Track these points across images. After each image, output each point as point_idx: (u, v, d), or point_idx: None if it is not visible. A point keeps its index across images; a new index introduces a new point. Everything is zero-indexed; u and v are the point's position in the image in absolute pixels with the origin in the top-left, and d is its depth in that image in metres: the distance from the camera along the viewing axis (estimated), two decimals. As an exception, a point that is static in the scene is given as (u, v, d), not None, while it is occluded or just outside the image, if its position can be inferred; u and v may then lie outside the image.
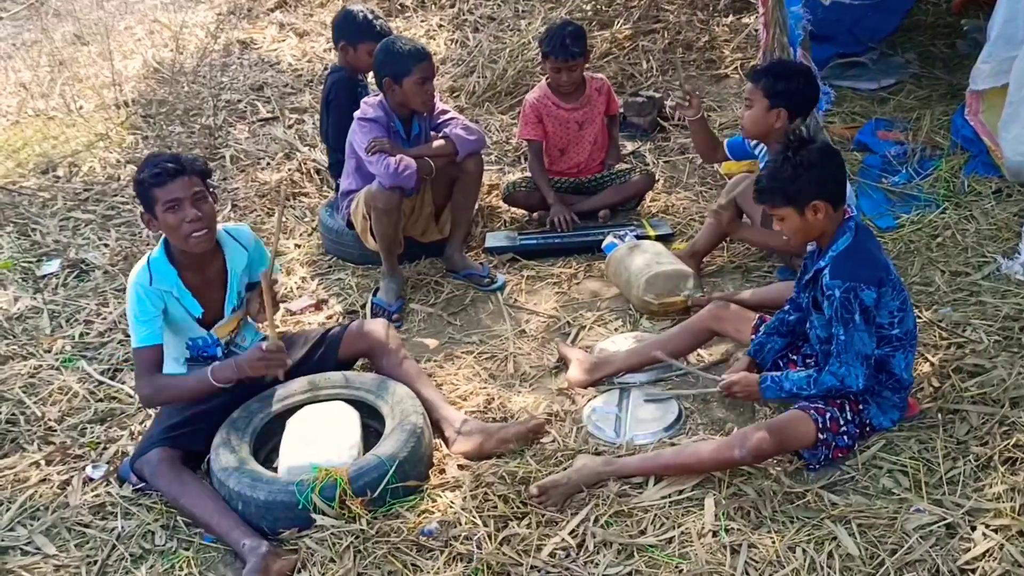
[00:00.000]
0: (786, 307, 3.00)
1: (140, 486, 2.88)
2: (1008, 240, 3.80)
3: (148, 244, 4.39)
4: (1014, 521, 2.41)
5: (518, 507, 2.68)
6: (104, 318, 3.89)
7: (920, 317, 3.24)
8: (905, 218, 4.07)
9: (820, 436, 2.67)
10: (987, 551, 2.36)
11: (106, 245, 4.48)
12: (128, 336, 3.14)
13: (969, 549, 2.37)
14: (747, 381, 2.84)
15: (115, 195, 4.97)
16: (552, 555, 2.52)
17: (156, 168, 2.79)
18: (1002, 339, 3.14)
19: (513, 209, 4.57)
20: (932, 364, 3.07)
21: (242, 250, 3.04)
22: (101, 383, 3.46)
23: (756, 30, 5.78)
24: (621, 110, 4.93)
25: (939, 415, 2.85)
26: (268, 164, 5.17)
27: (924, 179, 4.36)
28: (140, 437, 3.07)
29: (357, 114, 3.90)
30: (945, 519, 2.47)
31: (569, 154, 4.50)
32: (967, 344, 3.14)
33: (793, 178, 2.64)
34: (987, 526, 2.42)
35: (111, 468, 3.02)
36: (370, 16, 4.25)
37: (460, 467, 2.90)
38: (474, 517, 2.64)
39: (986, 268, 3.63)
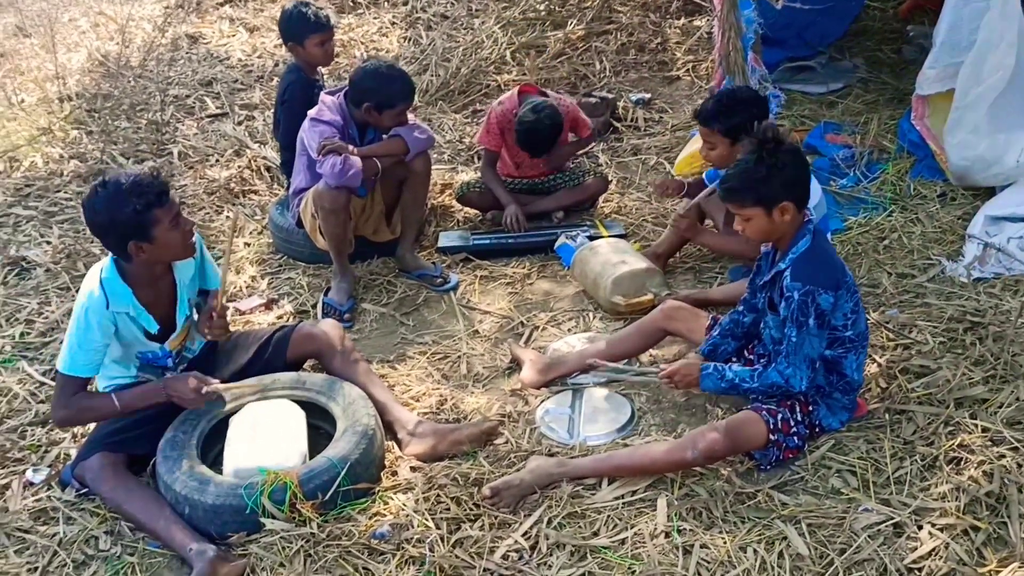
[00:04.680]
0: (740, 308, 3.01)
1: (83, 491, 2.81)
2: (952, 243, 3.88)
3: (92, 242, 4.28)
4: (959, 520, 2.45)
5: (471, 509, 2.66)
6: (46, 317, 3.78)
7: (868, 318, 3.28)
8: (853, 220, 4.13)
9: (771, 437, 2.69)
10: (933, 550, 2.40)
11: (48, 242, 4.36)
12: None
13: (916, 548, 2.41)
14: (687, 369, 2.85)
15: (58, 191, 4.84)
16: (505, 557, 2.50)
17: (153, 188, 2.68)
18: (947, 340, 3.20)
19: (466, 209, 4.55)
20: (880, 365, 3.11)
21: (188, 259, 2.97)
22: (42, 384, 3.37)
23: (708, 33, 5.85)
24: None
25: (886, 415, 2.89)
26: (217, 161, 5.08)
27: (871, 182, 4.44)
28: (83, 440, 2.99)
29: (311, 112, 3.85)
30: (892, 518, 2.51)
31: (523, 167, 4.51)
32: (913, 345, 3.19)
33: (766, 179, 2.64)
34: (933, 525, 2.47)
35: (52, 472, 2.94)
36: (304, 9, 4.19)
37: (412, 469, 2.87)
38: (426, 519, 2.62)
39: (931, 270, 3.70)
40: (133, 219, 2.65)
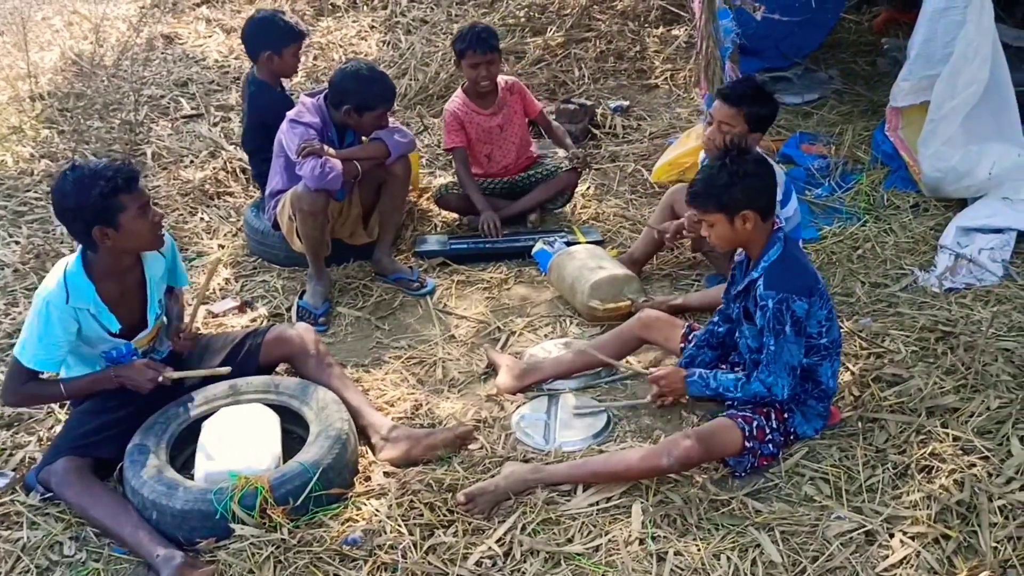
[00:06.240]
0: (715, 319, 3.02)
1: (47, 496, 2.76)
2: (925, 253, 3.92)
3: (62, 243, 4.22)
4: (930, 528, 2.47)
5: (445, 515, 2.64)
6: (13, 319, 3.71)
7: (841, 327, 3.30)
8: (827, 230, 4.16)
9: (746, 444, 2.70)
10: (904, 558, 2.41)
11: (17, 242, 4.29)
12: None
13: (887, 556, 2.42)
14: (674, 376, 2.87)
15: (27, 190, 4.77)
16: (479, 564, 2.48)
17: (121, 174, 2.66)
18: (919, 349, 3.23)
19: (444, 212, 4.53)
20: (853, 373, 3.13)
21: (159, 256, 2.93)
22: (8, 386, 3.30)
23: (687, 42, 5.88)
24: (551, 111, 4.89)
25: (859, 423, 2.90)
26: (192, 162, 5.03)
27: (846, 192, 4.48)
28: (48, 444, 2.94)
29: (290, 114, 3.82)
30: (864, 526, 2.51)
31: (495, 158, 4.49)
32: (886, 354, 3.21)
33: (728, 185, 2.66)
34: (904, 533, 2.48)
35: (17, 476, 2.88)
36: (285, 18, 4.15)
37: (386, 474, 2.85)
38: (399, 525, 2.60)
39: (904, 280, 3.73)
40: (99, 203, 2.62)
